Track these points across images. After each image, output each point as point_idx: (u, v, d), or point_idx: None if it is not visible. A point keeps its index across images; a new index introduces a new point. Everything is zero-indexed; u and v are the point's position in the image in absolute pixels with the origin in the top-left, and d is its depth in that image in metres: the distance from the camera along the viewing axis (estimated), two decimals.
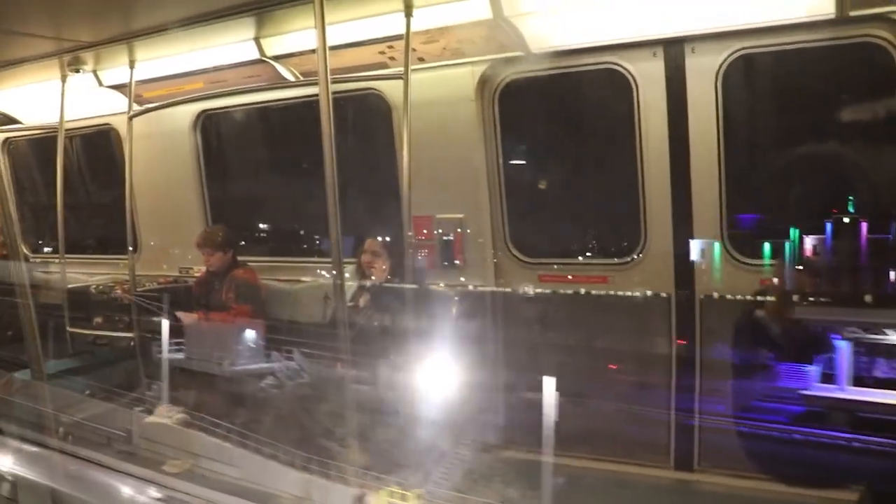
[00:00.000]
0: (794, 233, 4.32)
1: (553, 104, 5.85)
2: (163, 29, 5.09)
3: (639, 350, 5.11)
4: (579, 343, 5.26)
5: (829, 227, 4.22)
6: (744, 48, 4.67)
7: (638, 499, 4.74)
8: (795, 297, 4.19)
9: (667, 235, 5.03)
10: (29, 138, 8.49)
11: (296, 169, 7.63)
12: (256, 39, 5.45)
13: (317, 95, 3.75)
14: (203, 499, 3.60)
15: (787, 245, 4.35)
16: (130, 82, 6.07)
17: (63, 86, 6.33)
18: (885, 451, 3.99)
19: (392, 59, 5.25)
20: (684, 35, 4.72)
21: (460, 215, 5.77)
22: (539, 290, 5.56)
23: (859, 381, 4.26)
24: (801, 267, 4.28)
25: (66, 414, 4.42)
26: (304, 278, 6.67)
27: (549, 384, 2.76)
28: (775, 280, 4.51)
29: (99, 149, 8.22)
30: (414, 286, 5.08)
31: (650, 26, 4.70)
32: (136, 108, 6.40)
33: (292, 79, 5.81)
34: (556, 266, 5.64)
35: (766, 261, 4.72)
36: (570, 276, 5.56)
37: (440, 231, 5.82)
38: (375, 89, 5.85)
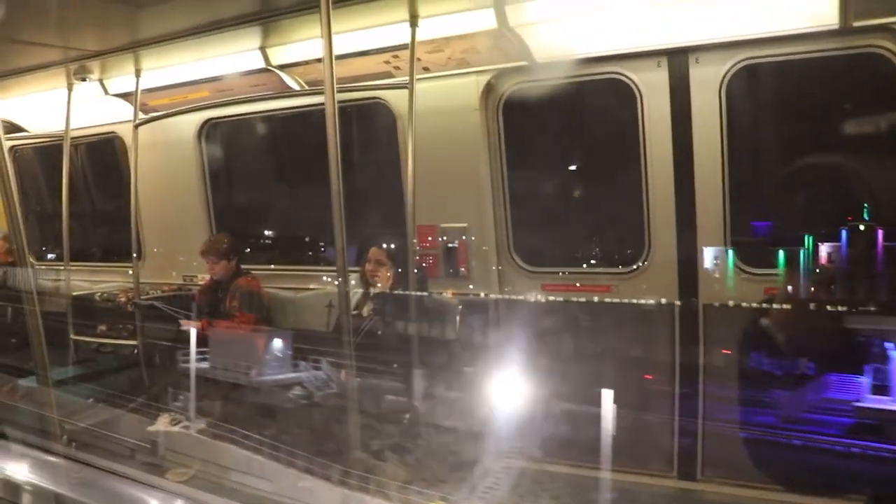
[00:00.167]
0: (806, 241, 4.31)
1: (557, 114, 5.87)
2: (169, 38, 5.13)
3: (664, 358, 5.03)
4: (594, 351, 5.20)
5: (844, 234, 4.22)
6: (747, 58, 4.68)
7: None
8: (812, 305, 4.15)
9: (671, 244, 5.03)
10: (35, 146, 8.53)
11: (300, 177, 7.65)
12: (262, 49, 5.47)
13: (322, 104, 3.76)
14: None
15: (791, 253, 4.35)
16: (136, 91, 6.11)
17: (69, 94, 6.37)
18: None
19: (397, 68, 5.27)
20: (688, 45, 4.73)
21: (464, 224, 5.78)
22: (547, 298, 5.54)
23: None
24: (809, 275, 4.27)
25: (85, 423, 4.37)
26: (309, 286, 6.67)
27: (606, 397, 2.64)
28: (789, 288, 4.48)
29: (104, 157, 8.24)
30: (418, 294, 5.09)
31: (654, 36, 4.71)
32: (141, 116, 6.44)
33: (298, 88, 5.83)
34: (559, 274, 5.64)
35: (774, 269, 4.70)
36: (574, 285, 5.55)
37: (444, 239, 5.83)
38: (380, 98, 5.87)
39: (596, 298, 5.42)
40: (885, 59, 4.29)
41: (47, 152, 8.32)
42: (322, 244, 7.31)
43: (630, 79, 5.03)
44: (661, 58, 4.88)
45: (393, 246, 5.69)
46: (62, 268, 6.99)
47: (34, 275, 7.47)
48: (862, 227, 4.22)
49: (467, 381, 4.83)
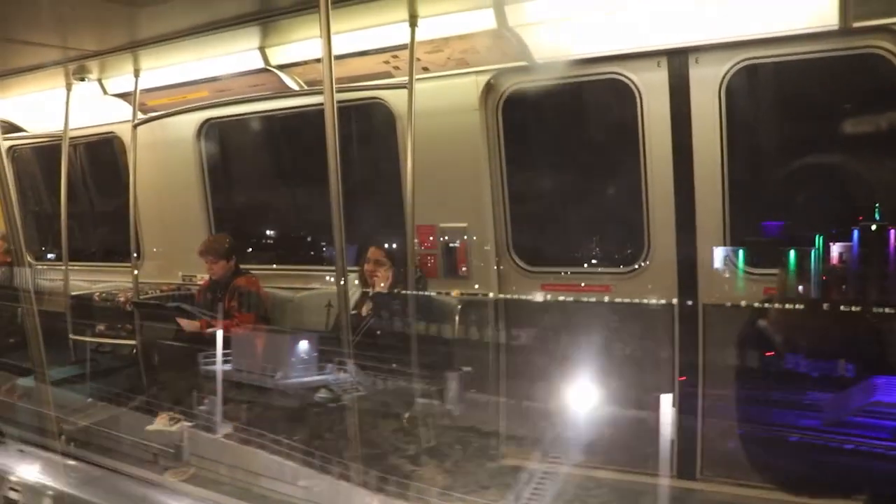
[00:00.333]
0: (805, 241, 4.29)
1: (557, 114, 5.87)
2: (168, 38, 5.12)
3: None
4: (606, 350, 5.14)
5: (855, 233, 4.20)
6: (747, 59, 4.68)
7: None
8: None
9: (670, 244, 5.03)
10: (33, 146, 8.52)
11: (299, 177, 7.65)
12: (261, 48, 5.47)
13: (321, 104, 3.76)
14: None
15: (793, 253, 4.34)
16: (135, 91, 6.10)
17: (68, 94, 6.37)
18: None
19: (396, 68, 5.26)
20: (688, 46, 4.72)
21: (464, 224, 5.77)
22: (547, 298, 5.53)
23: None
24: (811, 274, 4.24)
25: (85, 421, 4.34)
26: (308, 286, 6.66)
27: (665, 402, 2.61)
28: (800, 288, 4.44)
29: (103, 157, 8.24)
30: (417, 294, 5.09)
31: (654, 37, 4.71)
32: (140, 116, 6.43)
33: (297, 88, 5.82)
34: (560, 274, 5.64)
35: (774, 269, 4.68)
36: (574, 285, 5.55)
37: (445, 239, 5.83)
38: (380, 98, 5.86)
39: (594, 298, 5.41)
40: (884, 59, 4.29)
41: (46, 152, 8.31)
42: (321, 244, 7.31)
43: (630, 79, 5.03)
44: (661, 58, 4.87)
45: (392, 246, 5.68)
46: (61, 267, 6.98)
47: (32, 274, 7.48)
48: (868, 227, 4.20)
49: (492, 382, 4.78)
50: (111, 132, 7.53)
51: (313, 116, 6.19)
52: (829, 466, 4.08)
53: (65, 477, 3.79)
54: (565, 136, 6.08)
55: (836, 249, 4.35)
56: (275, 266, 7.26)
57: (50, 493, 3.73)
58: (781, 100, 5.18)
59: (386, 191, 6.04)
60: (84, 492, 3.69)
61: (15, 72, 5.93)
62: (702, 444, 4.66)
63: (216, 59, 5.61)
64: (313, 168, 6.71)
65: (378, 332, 5.26)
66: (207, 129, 7.04)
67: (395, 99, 5.68)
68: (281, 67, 5.61)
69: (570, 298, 5.50)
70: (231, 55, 5.53)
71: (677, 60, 4.83)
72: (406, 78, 4.80)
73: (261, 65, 5.56)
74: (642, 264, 5.24)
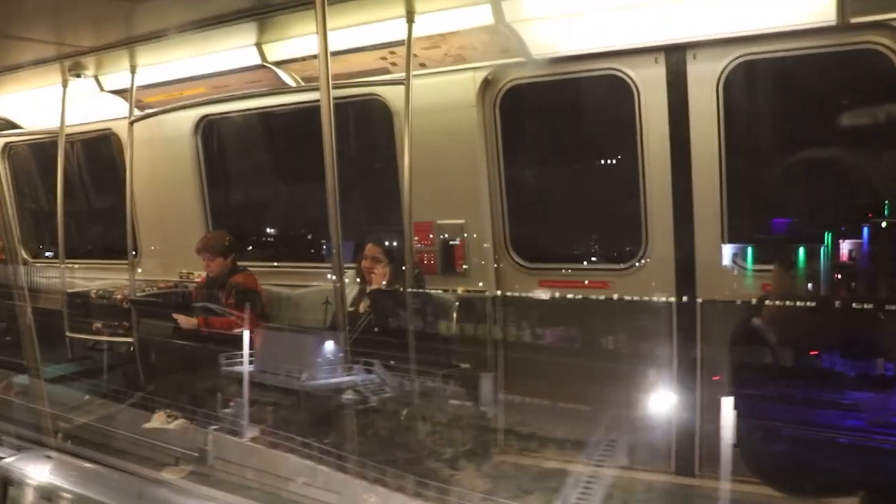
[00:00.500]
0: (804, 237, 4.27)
1: (554, 110, 5.87)
2: (164, 34, 5.11)
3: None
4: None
5: (865, 230, 4.17)
6: (745, 55, 4.67)
7: None
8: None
9: (668, 241, 5.02)
10: (30, 143, 8.50)
11: (297, 174, 7.64)
12: (258, 45, 5.46)
13: (318, 101, 3.75)
14: None
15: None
16: (131, 87, 6.09)
17: (64, 91, 6.35)
18: None
19: (394, 64, 5.25)
20: (686, 41, 4.72)
21: (461, 221, 5.76)
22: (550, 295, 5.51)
23: None
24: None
25: (111, 426, 4.27)
26: (307, 283, 6.65)
27: (727, 405, 2.51)
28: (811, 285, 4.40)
29: (100, 154, 8.23)
30: (415, 291, 5.09)
31: (652, 32, 4.70)
32: (137, 113, 6.41)
33: (294, 84, 5.81)
34: (561, 271, 5.63)
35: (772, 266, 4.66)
36: (571, 282, 5.54)
37: (445, 236, 5.81)
38: (377, 95, 5.85)
39: (592, 295, 5.41)
40: (882, 55, 4.28)
41: (42, 149, 8.29)
42: (318, 241, 7.30)
43: (627, 75, 5.02)
44: (659, 54, 4.86)
45: (389, 242, 5.68)
46: (57, 265, 6.97)
47: (27, 272, 7.47)
48: (872, 223, 4.18)
49: (522, 382, 4.69)
50: (108, 129, 7.52)
51: (311, 113, 6.18)
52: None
53: (84, 480, 3.72)
54: (563, 133, 6.08)
55: (845, 246, 4.32)
56: (272, 263, 7.25)
57: (48, 488, 3.71)
58: (779, 95, 5.18)
59: (383, 187, 6.03)
60: (84, 488, 3.66)
61: (10, 68, 5.91)
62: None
63: (213, 55, 5.61)
64: (310, 164, 6.70)
65: (375, 329, 5.25)
66: (204, 126, 7.03)
67: (393, 95, 5.67)
68: (278, 64, 5.60)
69: (579, 296, 5.47)
70: (228, 51, 5.53)
71: (675, 56, 4.82)
72: (403, 74, 4.79)
73: (258, 61, 5.55)
74: (641, 261, 5.24)
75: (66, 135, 6.71)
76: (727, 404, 2.50)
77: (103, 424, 4.31)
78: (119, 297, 6.93)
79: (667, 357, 4.88)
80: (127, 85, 6.12)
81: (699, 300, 4.89)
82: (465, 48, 5.05)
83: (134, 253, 6.69)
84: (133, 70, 5.99)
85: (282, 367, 4.13)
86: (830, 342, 4.03)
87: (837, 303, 4.38)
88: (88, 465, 3.90)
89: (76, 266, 7.91)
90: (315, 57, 4.46)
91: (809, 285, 4.50)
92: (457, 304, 5.68)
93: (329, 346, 4.25)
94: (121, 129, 7.08)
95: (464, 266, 5.82)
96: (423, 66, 5.23)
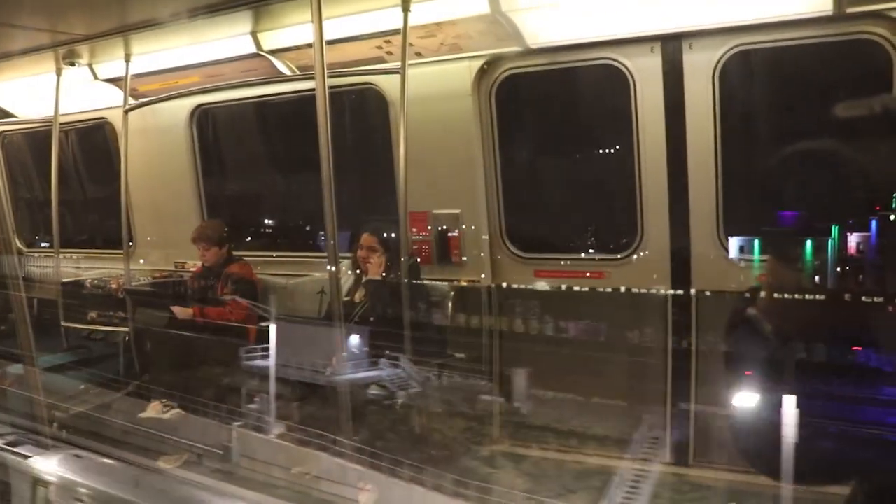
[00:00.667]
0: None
1: (550, 99, 5.86)
2: (159, 22, 5.08)
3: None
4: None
5: (873, 223, 4.15)
6: (741, 44, 4.67)
7: None
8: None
9: (664, 231, 5.03)
10: (24, 132, 8.46)
11: (292, 163, 7.62)
12: (253, 33, 5.44)
13: (313, 90, 3.74)
14: None
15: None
16: (126, 76, 6.06)
17: (58, 79, 6.32)
18: None
19: (389, 53, 5.24)
20: (682, 31, 4.71)
21: (457, 211, 5.76)
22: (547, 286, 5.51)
23: None
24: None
25: (106, 415, 4.25)
26: (302, 273, 6.64)
27: (789, 403, 2.44)
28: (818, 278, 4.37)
29: (94, 143, 8.19)
30: (410, 281, 5.09)
31: (648, 22, 4.69)
32: (131, 101, 6.39)
33: (289, 73, 5.80)
34: (559, 262, 5.63)
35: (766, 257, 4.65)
36: (567, 272, 5.54)
37: (443, 228, 5.80)
38: (372, 84, 5.83)
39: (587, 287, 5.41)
40: (878, 45, 4.28)
41: (36, 138, 8.26)
42: (314, 230, 7.29)
43: (623, 64, 5.01)
44: (655, 43, 4.85)
45: (385, 233, 5.67)
46: (52, 255, 6.97)
47: (22, 262, 7.45)
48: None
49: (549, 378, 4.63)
50: (102, 118, 7.48)
51: (306, 102, 6.16)
52: None
53: (104, 476, 3.66)
54: (559, 122, 6.07)
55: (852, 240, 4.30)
56: (267, 253, 7.24)
57: (44, 483, 3.69)
58: (775, 85, 5.17)
59: (378, 177, 6.02)
60: (86, 479, 3.63)
61: (4, 56, 5.88)
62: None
63: (208, 43, 5.59)
64: (305, 154, 6.69)
65: (371, 319, 5.25)
66: (199, 115, 6.99)
67: (388, 84, 5.65)
68: (273, 52, 5.58)
69: (575, 287, 5.46)
70: (223, 40, 5.51)
71: (671, 46, 4.82)
72: (399, 63, 4.78)
73: (253, 50, 5.53)
74: (636, 251, 5.24)
75: (61, 123, 6.68)
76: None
77: (99, 414, 4.29)
78: (114, 286, 6.93)
79: (656, 346, 4.90)
80: (121, 73, 6.09)
81: (693, 291, 4.92)
82: (461, 37, 5.03)
83: (128, 243, 6.67)
84: (127, 58, 5.96)
85: (305, 361, 4.01)
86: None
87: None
88: (109, 461, 3.84)
89: (71, 256, 7.88)
90: (310, 46, 4.45)
91: (806, 277, 4.50)
92: (452, 294, 5.68)
93: (354, 339, 4.17)
94: (115, 117, 7.05)
95: (460, 256, 5.82)
96: (418, 55, 5.21)
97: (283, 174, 7.97)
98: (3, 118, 7.80)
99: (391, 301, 5.22)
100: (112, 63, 6.21)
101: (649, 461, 3.38)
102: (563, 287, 5.46)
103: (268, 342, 3.90)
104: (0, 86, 7.01)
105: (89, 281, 7.32)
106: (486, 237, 5.70)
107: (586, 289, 5.39)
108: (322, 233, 6.87)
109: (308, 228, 7.50)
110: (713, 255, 4.88)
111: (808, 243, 4.41)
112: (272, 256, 7.10)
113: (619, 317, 5.17)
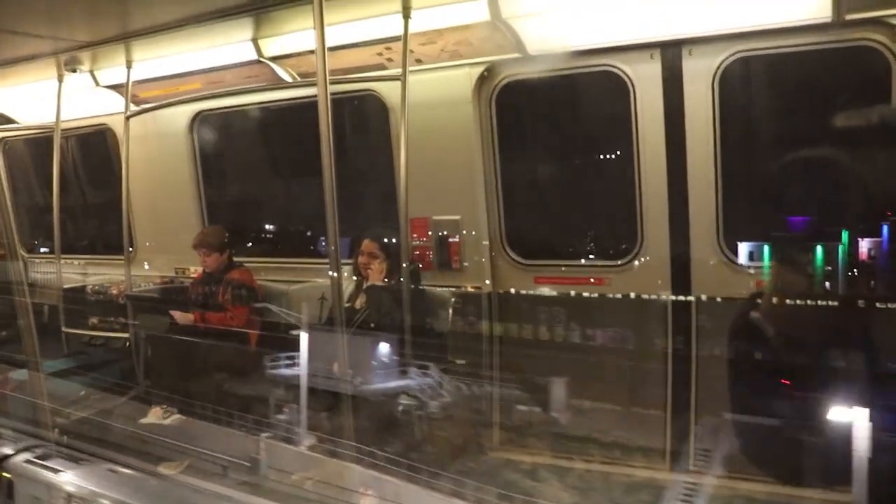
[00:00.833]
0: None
1: (550, 106, 5.87)
2: (160, 29, 5.09)
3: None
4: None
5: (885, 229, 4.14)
6: (741, 51, 4.68)
7: None
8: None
9: (664, 238, 5.04)
10: (25, 138, 8.47)
11: (292, 169, 7.63)
12: (254, 40, 5.46)
13: (315, 96, 3.75)
14: None
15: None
16: (127, 82, 6.08)
17: (59, 85, 6.33)
18: None
19: (390, 60, 5.25)
20: (681, 37, 4.73)
21: (457, 217, 5.77)
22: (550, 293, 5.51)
23: None
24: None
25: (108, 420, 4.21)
26: (302, 279, 6.64)
27: (860, 416, 2.31)
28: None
29: (95, 149, 8.20)
30: (411, 287, 5.09)
31: (648, 29, 4.71)
32: (132, 108, 6.40)
33: (290, 80, 5.81)
34: (559, 268, 5.64)
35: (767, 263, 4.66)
36: (567, 278, 5.55)
37: (443, 234, 5.81)
38: (373, 90, 5.84)
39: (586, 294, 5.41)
40: (877, 51, 4.30)
41: (38, 144, 8.27)
42: (315, 236, 7.30)
43: (623, 71, 5.02)
44: (654, 50, 4.87)
45: (386, 239, 5.68)
46: (54, 260, 6.97)
47: (25, 267, 7.46)
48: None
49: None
50: (103, 124, 7.49)
51: (306, 108, 6.17)
52: None
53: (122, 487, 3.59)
54: (559, 129, 6.09)
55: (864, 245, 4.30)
56: (268, 259, 7.24)
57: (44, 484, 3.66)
58: (775, 92, 5.19)
59: (379, 183, 6.03)
60: (86, 482, 3.60)
61: (5, 62, 5.89)
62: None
63: (209, 50, 5.59)
64: (306, 160, 6.71)
65: (371, 325, 5.26)
66: (200, 121, 7.01)
67: (389, 91, 5.66)
68: (274, 59, 5.59)
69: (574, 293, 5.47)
70: (224, 46, 5.52)
71: (671, 52, 4.83)
72: (399, 70, 4.79)
73: (254, 56, 5.55)
74: (636, 257, 5.25)
75: (62, 130, 6.68)
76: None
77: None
78: (115, 292, 6.93)
79: (655, 349, 4.89)
80: (123, 80, 6.11)
81: (693, 297, 4.93)
82: (462, 44, 5.05)
83: (130, 248, 6.67)
84: (129, 65, 5.98)
85: (333, 370, 3.95)
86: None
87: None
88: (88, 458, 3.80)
89: (72, 262, 7.89)
90: (311, 52, 4.46)
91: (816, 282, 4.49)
92: (453, 300, 5.68)
93: (384, 348, 4.11)
94: (116, 124, 7.05)
95: (460, 262, 5.82)
96: (419, 61, 5.23)
97: (283, 180, 7.98)
98: (4, 124, 7.80)
99: (392, 307, 5.23)
100: (113, 69, 6.22)
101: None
102: (557, 293, 5.47)
103: (271, 348, 3.88)
104: (2, 92, 7.02)
105: (90, 287, 7.33)
106: (486, 243, 5.71)
107: (586, 294, 5.40)
108: (323, 239, 6.88)
109: (309, 234, 7.51)
110: (713, 261, 4.90)
111: (819, 248, 4.43)
112: (273, 262, 7.10)
113: (621, 322, 5.20)
